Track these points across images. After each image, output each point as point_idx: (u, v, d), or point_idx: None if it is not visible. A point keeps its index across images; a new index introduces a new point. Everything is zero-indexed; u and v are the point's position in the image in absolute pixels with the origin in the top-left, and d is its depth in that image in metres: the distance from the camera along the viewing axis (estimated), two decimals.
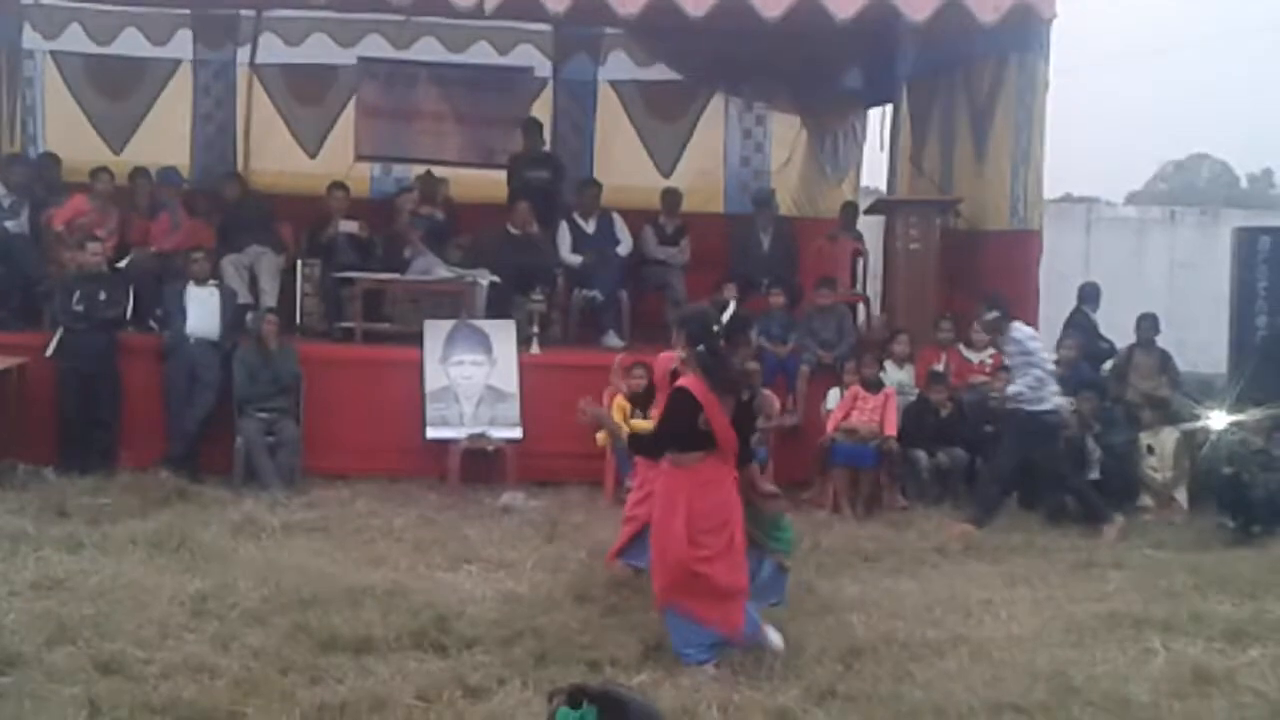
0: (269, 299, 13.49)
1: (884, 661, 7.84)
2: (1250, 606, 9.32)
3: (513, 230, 14.25)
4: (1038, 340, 11.73)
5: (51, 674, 7.04)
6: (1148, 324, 14.01)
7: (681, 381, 7.72)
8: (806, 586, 9.45)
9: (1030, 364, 11.49)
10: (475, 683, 7.20)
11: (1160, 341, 14.08)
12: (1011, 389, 11.57)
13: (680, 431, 7.66)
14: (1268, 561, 10.61)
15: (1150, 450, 12.64)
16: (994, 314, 11.96)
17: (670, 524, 7.63)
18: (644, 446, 8.31)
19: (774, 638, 7.73)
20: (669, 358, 8.56)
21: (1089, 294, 14.89)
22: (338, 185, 14.59)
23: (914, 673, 7.68)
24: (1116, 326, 14.42)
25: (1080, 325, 14.28)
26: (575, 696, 2.63)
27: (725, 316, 8.15)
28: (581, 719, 2.61)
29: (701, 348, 7.68)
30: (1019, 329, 11.65)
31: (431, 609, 8.31)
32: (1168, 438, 12.67)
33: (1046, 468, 11.76)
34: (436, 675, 7.28)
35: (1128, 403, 13.37)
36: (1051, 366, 11.75)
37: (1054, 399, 11.57)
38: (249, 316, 12.90)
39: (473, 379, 12.69)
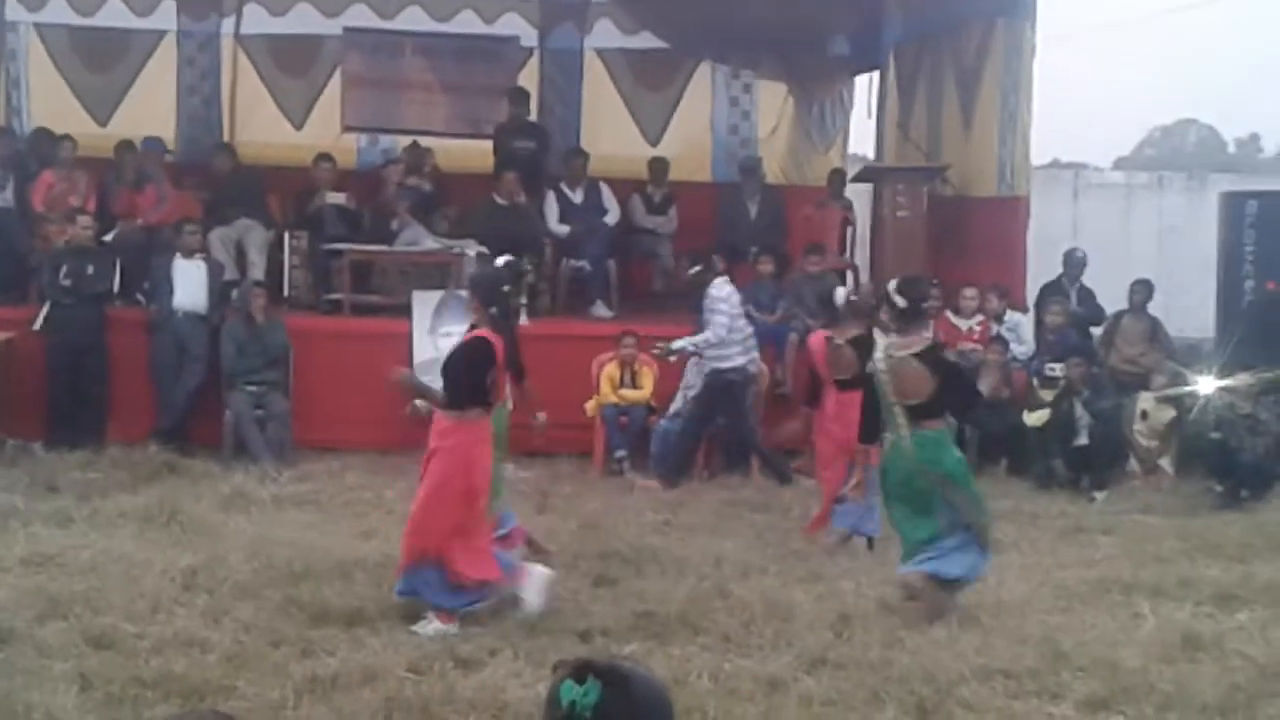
0: (257, 272, 13.45)
1: (874, 629, 7.88)
2: (1238, 570, 9.36)
3: (500, 200, 14.22)
4: (735, 298, 11.70)
5: (43, 649, 7.05)
6: (1139, 290, 13.99)
7: (480, 332, 7.90)
8: (797, 554, 9.49)
9: (716, 318, 11.45)
10: (466, 654, 7.24)
11: (1149, 307, 14.08)
12: (683, 341, 11.70)
13: (479, 382, 7.86)
14: (1255, 526, 10.67)
15: (1143, 415, 12.66)
16: (696, 268, 11.84)
17: (467, 480, 7.78)
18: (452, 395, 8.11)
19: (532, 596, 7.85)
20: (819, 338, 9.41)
21: (1072, 264, 14.75)
22: (324, 157, 14.54)
23: (904, 639, 7.72)
24: (1105, 293, 14.43)
25: (1061, 292, 14.23)
26: (580, 671, 2.62)
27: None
28: (586, 694, 2.59)
29: (494, 309, 7.90)
30: (717, 285, 11.60)
31: None
32: (1160, 403, 12.70)
33: (730, 425, 11.82)
34: (428, 647, 7.31)
35: (1113, 368, 13.40)
36: (745, 326, 11.73)
37: (739, 358, 11.54)
38: (235, 291, 12.85)
39: None
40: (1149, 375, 13.06)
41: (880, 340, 8.17)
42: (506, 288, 8.03)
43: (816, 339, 9.99)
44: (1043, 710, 6.81)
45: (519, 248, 13.47)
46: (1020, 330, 13.55)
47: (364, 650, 7.24)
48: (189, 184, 14.37)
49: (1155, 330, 13.90)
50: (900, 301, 8.23)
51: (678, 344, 11.68)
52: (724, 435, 12.22)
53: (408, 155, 15.04)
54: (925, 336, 8.35)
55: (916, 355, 8.12)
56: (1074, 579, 8.82)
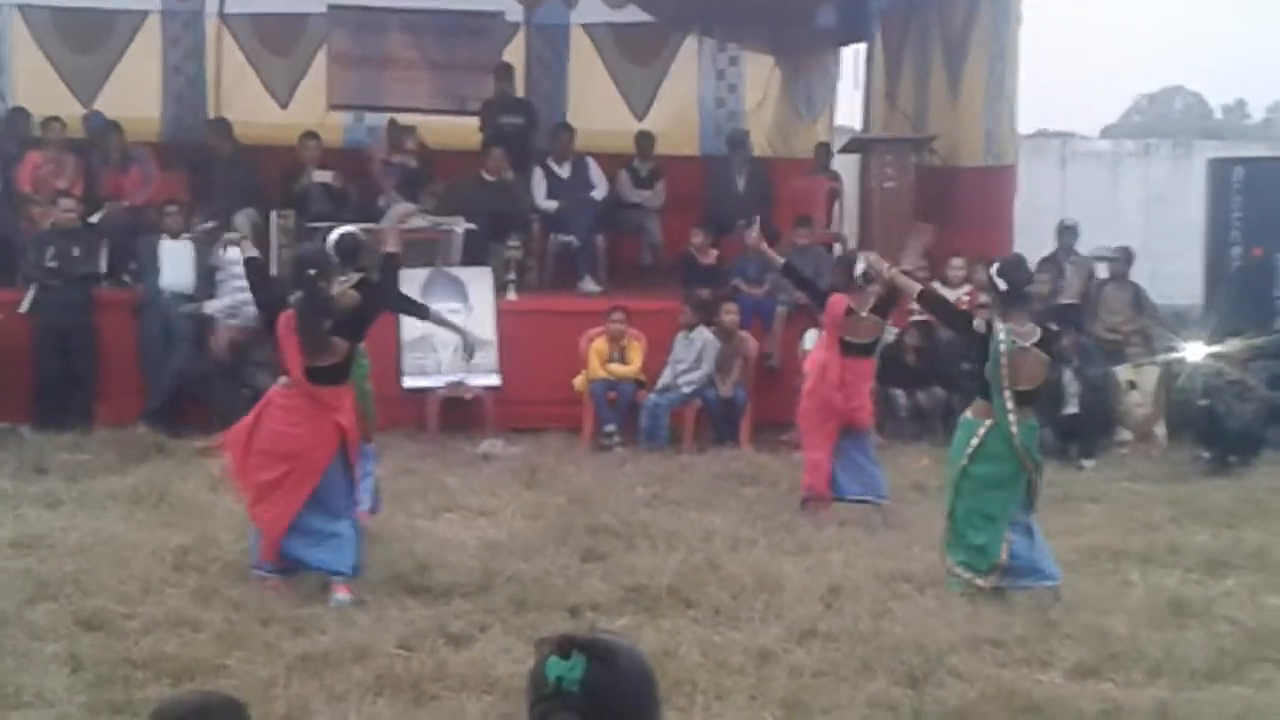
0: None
1: (863, 599, 7.91)
2: (1227, 536, 9.42)
3: (487, 177, 14.18)
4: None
5: (33, 631, 7.06)
6: (1119, 258, 14.00)
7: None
8: (786, 526, 9.51)
9: (235, 283, 11.39)
10: (457, 630, 7.25)
11: (1135, 274, 14.09)
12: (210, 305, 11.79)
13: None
14: (1244, 492, 10.71)
15: (1133, 385, 12.69)
16: (209, 224, 11.44)
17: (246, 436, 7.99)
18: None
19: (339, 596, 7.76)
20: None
21: (1066, 235, 14.72)
22: (310, 135, 14.49)
23: (894, 610, 7.76)
24: None
25: (1057, 265, 14.22)
26: (564, 646, 2.62)
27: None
28: (571, 669, 2.59)
29: (299, 293, 7.93)
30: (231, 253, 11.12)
31: (412, 557, 8.37)
32: (1149, 372, 12.71)
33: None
34: (418, 623, 7.32)
35: (1098, 337, 13.41)
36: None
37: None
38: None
39: None
40: (1130, 342, 13.08)
41: (999, 325, 8.06)
42: (312, 270, 7.94)
43: (835, 300, 9.95)
44: (1032, 678, 6.84)
45: (506, 224, 13.54)
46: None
47: (354, 628, 7.25)
48: (182, 164, 14.29)
49: (1138, 297, 13.90)
50: (1001, 284, 8.14)
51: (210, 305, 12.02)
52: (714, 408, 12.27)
53: (387, 133, 14.96)
54: (1033, 323, 8.19)
55: (1039, 344, 8.03)
56: (1063, 547, 8.81)
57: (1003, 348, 7.91)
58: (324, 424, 7.91)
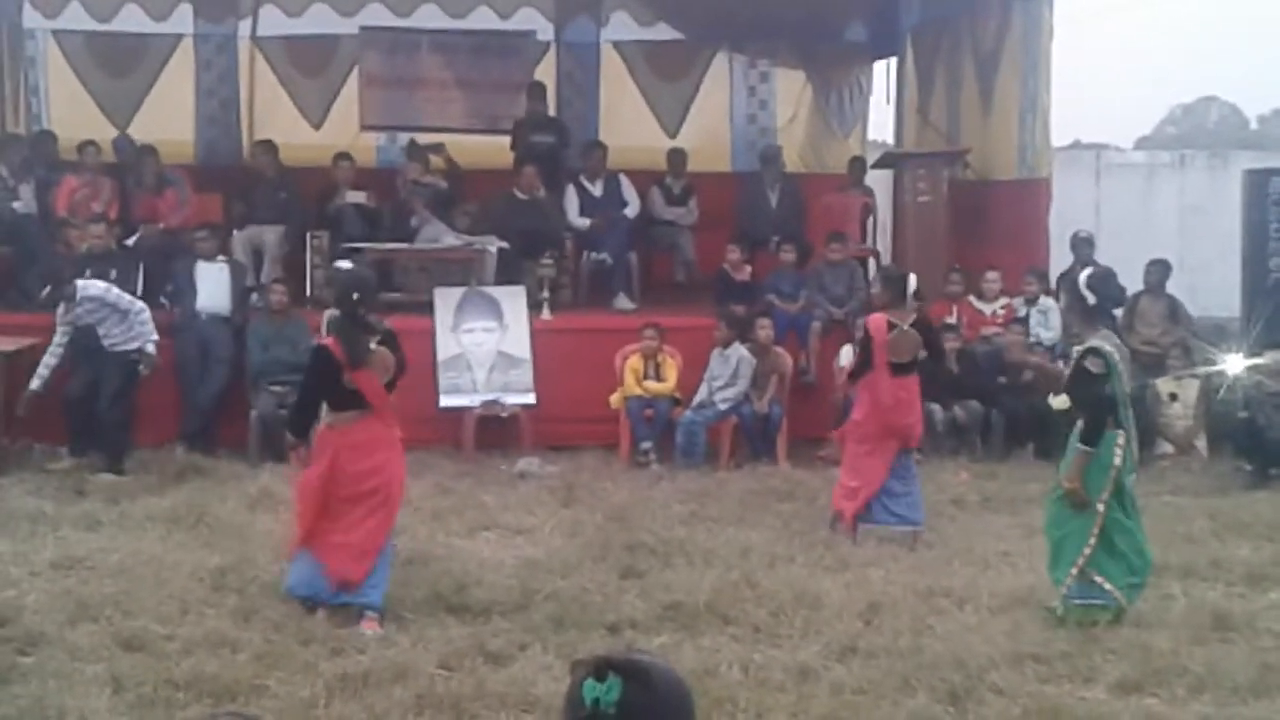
0: (275, 270, 13.44)
1: (903, 615, 7.87)
2: (1269, 549, 9.34)
3: (519, 195, 14.21)
4: (113, 291, 11.43)
5: (74, 652, 7.08)
6: (1156, 270, 13.89)
7: (322, 340, 8.07)
8: (824, 543, 9.48)
9: (115, 313, 11.31)
10: (496, 649, 7.25)
11: (1172, 286, 13.99)
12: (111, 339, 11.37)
13: (320, 392, 7.99)
14: None
15: (1174, 397, 12.60)
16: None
17: (312, 481, 7.92)
18: (292, 420, 8.44)
19: (369, 629, 7.65)
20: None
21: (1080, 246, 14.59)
22: (343, 156, 14.56)
23: (934, 626, 7.72)
24: (1127, 274, 14.34)
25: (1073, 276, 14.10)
26: (600, 668, 2.60)
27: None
28: (608, 691, 2.58)
29: (338, 313, 8.02)
30: (86, 287, 11.34)
31: (450, 576, 8.36)
32: (1189, 385, 12.63)
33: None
34: (458, 642, 7.32)
35: (1134, 349, 13.31)
36: (133, 306, 11.45)
37: (135, 341, 11.29)
38: (255, 294, 12.86)
39: (484, 346, 12.67)
40: (1170, 355, 13.00)
41: (1109, 338, 8.01)
42: (355, 294, 7.98)
43: (877, 320, 9.91)
44: (1075, 694, 6.80)
45: (540, 242, 13.56)
46: (1050, 315, 13.43)
47: (394, 648, 7.25)
48: (212, 188, 14.37)
49: (1175, 310, 13.78)
50: (1091, 298, 8.08)
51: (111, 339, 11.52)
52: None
53: (408, 153, 14.97)
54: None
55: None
56: None
57: (1116, 356, 7.84)
58: (397, 449, 8.00)
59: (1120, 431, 7.85)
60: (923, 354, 10.03)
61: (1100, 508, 7.80)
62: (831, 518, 9.99)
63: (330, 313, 8.52)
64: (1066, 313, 8.61)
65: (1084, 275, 8.25)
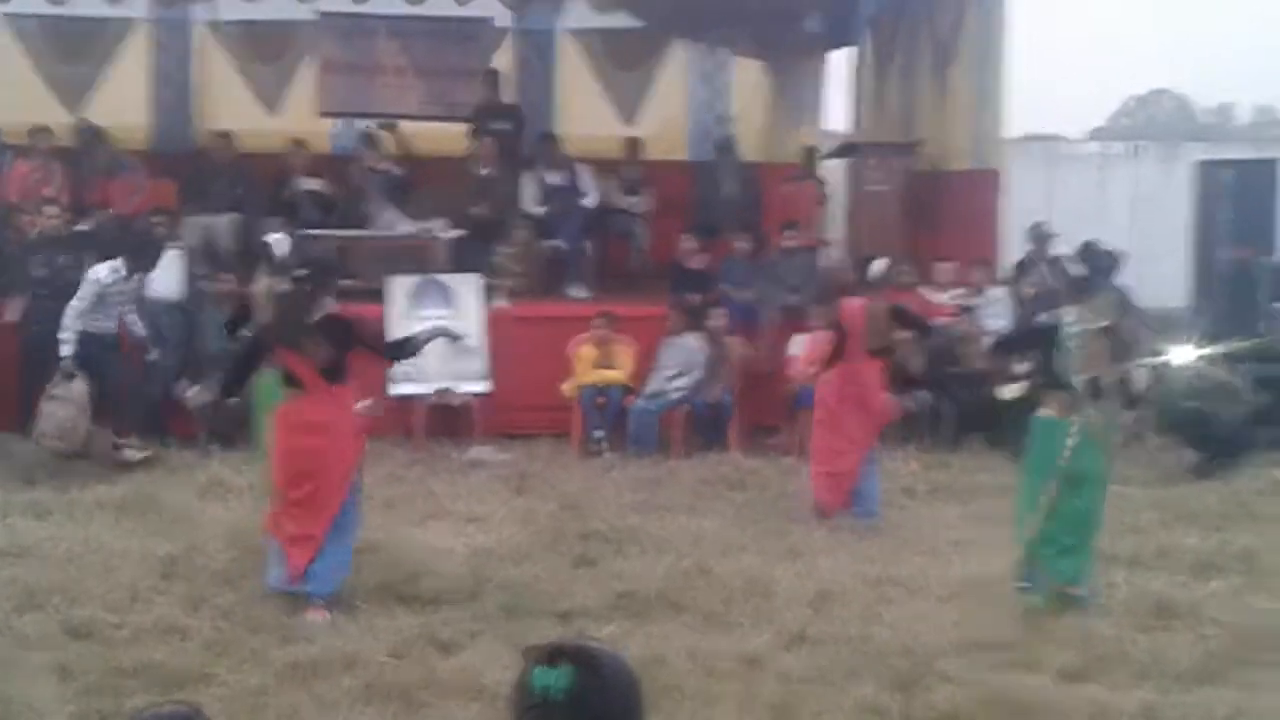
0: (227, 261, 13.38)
1: (853, 604, 7.93)
2: (1215, 539, 9.42)
3: (481, 170, 14.22)
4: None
5: (21, 641, 7.06)
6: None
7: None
8: (775, 531, 9.52)
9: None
10: (447, 637, 7.26)
11: (1123, 276, 14.06)
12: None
13: (248, 359, 8.19)
14: (1231, 494, 10.73)
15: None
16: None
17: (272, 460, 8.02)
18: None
19: (314, 617, 7.62)
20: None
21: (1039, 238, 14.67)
22: (298, 142, 14.51)
23: (883, 614, 7.77)
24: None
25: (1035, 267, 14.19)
26: (550, 655, 2.62)
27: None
28: (558, 679, 2.60)
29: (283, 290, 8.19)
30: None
31: (401, 565, 8.34)
32: (1136, 375, 12.70)
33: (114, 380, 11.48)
34: (408, 631, 7.32)
35: None
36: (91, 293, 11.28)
37: (102, 323, 11.27)
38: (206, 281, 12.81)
39: None
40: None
41: (1070, 311, 8.04)
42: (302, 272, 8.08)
43: (855, 308, 9.93)
44: (1021, 681, 6.84)
45: (495, 228, 13.56)
46: (999, 305, 13.54)
47: (343, 636, 7.25)
48: (166, 174, 14.28)
49: (1123, 301, 13.86)
50: (1081, 270, 8.07)
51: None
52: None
53: (364, 141, 14.93)
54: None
55: (1103, 330, 8.00)
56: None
57: (1074, 333, 7.87)
58: (339, 435, 7.90)
59: (1075, 419, 7.87)
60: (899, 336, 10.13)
61: (1044, 499, 7.87)
62: (812, 507, 9.98)
63: (266, 283, 8.49)
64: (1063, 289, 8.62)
65: (1078, 248, 8.25)
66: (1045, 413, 8.02)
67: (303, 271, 8.03)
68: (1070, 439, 7.86)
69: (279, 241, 8.77)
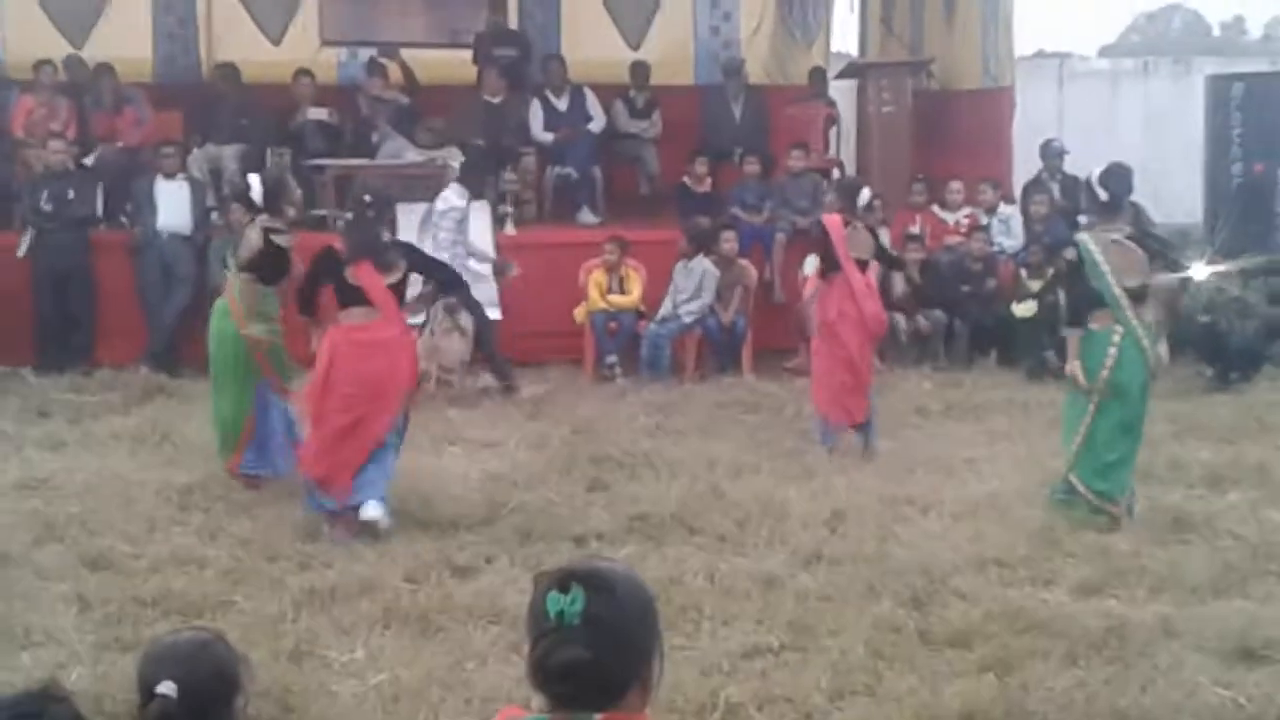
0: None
1: (868, 523, 7.93)
2: (1229, 452, 9.44)
3: (488, 98, 14.14)
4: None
5: (40, 572, 7.09)
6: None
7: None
8: (789, 453, 9.53)
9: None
10: (463, 562, 7.28)
11: (1136, 193, 13.97)
12: None
13: (316, 287, 8.16)
14: (1244, 407, 10.74)
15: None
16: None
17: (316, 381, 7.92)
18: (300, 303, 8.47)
19: (373, 511, 7.72)
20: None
21: (1050, 155, 14.57)
22: (303, 72, 14.41)
23: (898, 533, 7.78)
24: None
25: (1043, 185, 14.10)
26: (563, 580, 2.62)
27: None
28: (572, 603, 2.59)
29: (350, 214, 8.21)
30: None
31: (416, 491, 8.35)
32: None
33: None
34: (424, 556, 7.34)
35: None
36: None
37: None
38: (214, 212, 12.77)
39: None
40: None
41: (1084, 232, 8.06)
42: (367, 197, 8.23)
43: (834, 220, 9.85)
44: (1037, 596, 6.86)
45: (504, 154, 13.49)
46: (1011, 223, 13.49)
47: (360, 562, 7.27)
48: (171, 106, 14.20)
49: (1137, 217, 13.79)
50: (1102, 194, 8.08)
51: None
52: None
53: (369, 69, 14.81)
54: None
55: (1128, 236, 7.98)
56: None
57: (1093, 245, 7.86)
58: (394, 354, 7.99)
59: (1117, 328, 7.85)
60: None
61: (1090, 407, 7.87)
62: (822, 426, 9.85)
63: (263, 221, 8.51)
64: (1087, 211, 8.63)
65: (1097, 172, 8.23)
66: (1092, 327, 7.97)
67: (368, 198, 8.11)
68: (1112, 349, 7.85)
69: (256, 181, 8.80)
